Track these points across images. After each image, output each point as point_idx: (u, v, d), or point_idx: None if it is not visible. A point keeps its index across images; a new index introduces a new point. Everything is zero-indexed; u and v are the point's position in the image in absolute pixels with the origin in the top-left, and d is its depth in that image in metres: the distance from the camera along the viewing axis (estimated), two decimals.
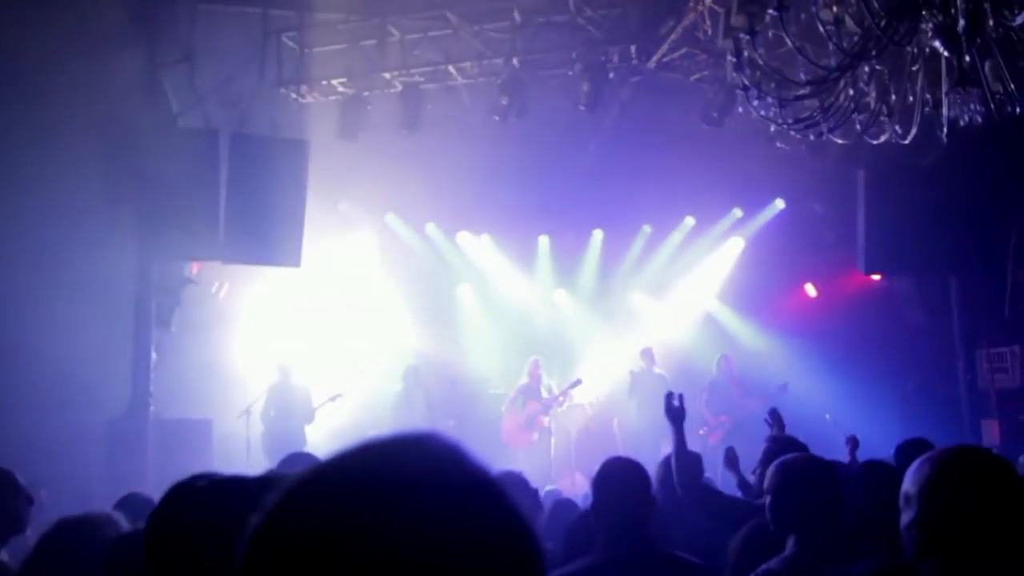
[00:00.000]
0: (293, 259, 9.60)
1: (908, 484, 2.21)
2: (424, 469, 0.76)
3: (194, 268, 10.24)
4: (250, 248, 9.37)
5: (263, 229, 9.28)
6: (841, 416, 10.12)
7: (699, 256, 12.98)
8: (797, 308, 12.40)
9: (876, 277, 11.41)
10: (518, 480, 4.21)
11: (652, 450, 6.43)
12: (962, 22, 4.77)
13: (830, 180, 11.36)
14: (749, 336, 12.39)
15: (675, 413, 4.66)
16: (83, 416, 8.44)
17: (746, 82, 5.82)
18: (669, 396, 4.76)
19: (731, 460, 5.42)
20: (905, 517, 2.20)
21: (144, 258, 9.10)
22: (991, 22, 4.90)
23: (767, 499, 3.16)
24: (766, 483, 3.20)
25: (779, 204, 12.65)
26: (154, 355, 9.14)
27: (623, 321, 12.78)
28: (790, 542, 3.01)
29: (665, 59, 9.42)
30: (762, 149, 9.74)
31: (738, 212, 12.89)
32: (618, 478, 3.25)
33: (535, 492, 4.27)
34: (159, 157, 8.74)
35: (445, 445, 0.79)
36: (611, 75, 9.36)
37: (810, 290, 12.65)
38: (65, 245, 8.52)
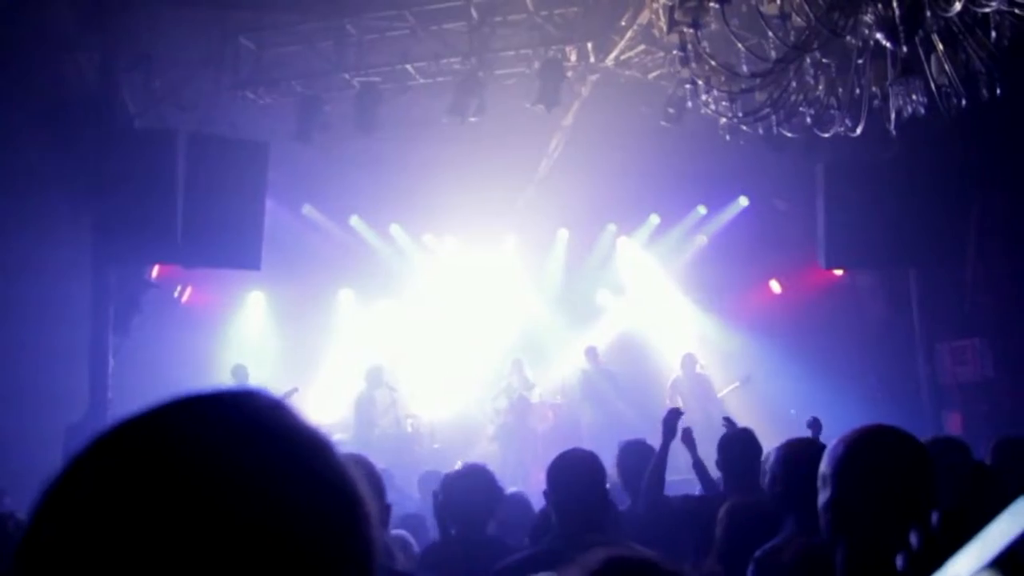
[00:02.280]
0: (253, 262, 9.52)
1: (824, 465, 2.20)
2: (244, 420, 0.73)
3: (155, 272, 10.13)
4: (209, 251, 9.28)
5: (222, 232, 9.18)
6: (805, 411, 10.16)
7: (664, 253, 13.03)
8: (762, 304, 12.47)
9: (838, 272, 11.51)
10: (481, 472, 4.21)
11: (611, 446, 6.45)
12: (898, 12, 4.82)
13: (793, 177, 11.44)
14: (714, 332, 12.45)
15: (670, 429, 4.78)
16: (42, 422, 8.32)
17: (694, 76, 5.85)
18: (674, 414, 4.89)
19: (688, 439, 5.48)
20: (821, 497, 2.19)
21: (100, 262, 8.97)
22: (928, 13, 4.96)
23: (769, 480, 3.18)
24: (770, 465, 3.24)
25: (743, 201, 12.72)
26: (112, 361, 9.00)
27: (589, 319, 12.81)
28: (789, 521, 3.03)
29: (622, 57, 9.46)
30: (725, 146, 9.79)
31: (702, 209, 12.95)
32: (571, 469, 3.28)
33: (498, 485, 4.22)
34: (115, 159, 8.65)
35: (268, 399, 0.77)
36: (569, 73, 9.37)
37: (775, 286, 12.73)
38: (18, 249, 8.40)
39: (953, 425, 10.24)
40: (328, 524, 0.71)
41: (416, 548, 4.31)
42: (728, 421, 5.56)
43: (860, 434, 2.21)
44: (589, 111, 10.64)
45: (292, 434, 0.75)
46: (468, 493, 3.94)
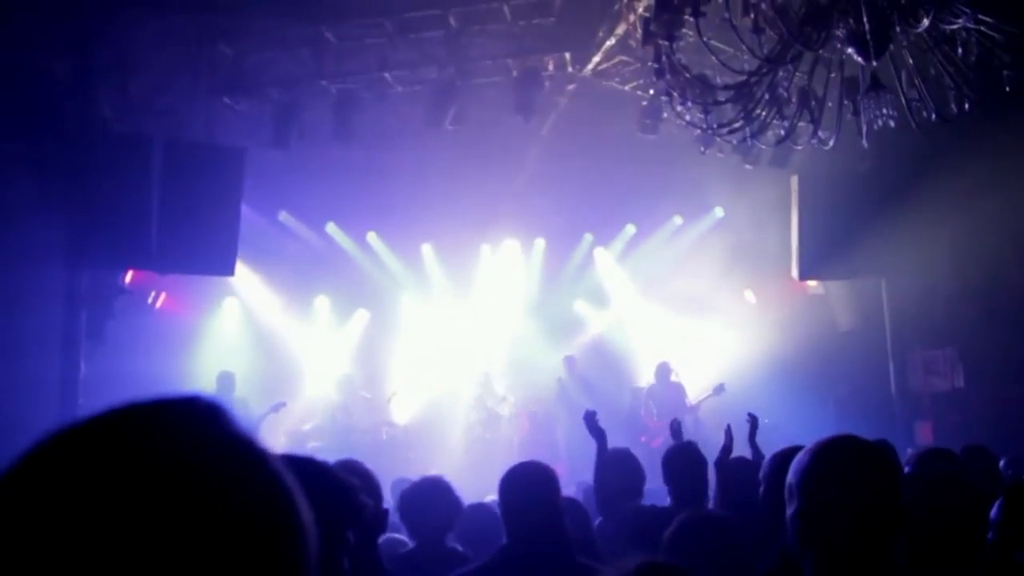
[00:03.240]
0: (227, 269, 9.49)
1: (791, 476, 2.17)
2: (179, 426, 0.74)
3: (128, 277, 10.05)
4: (184, 257, 9.23)
5: (197, 238, 9.14)
6: (778, 419, 10.25)
7: (640, 263, 13.09)
8: (737, 313, 12.55)
9: (812, 283, 11.62)
10: (438, 484, 4.19)
11: (587, 454, 6.48)
12: (868, 27, 4.90)
13: (769, 188, 11.56)
14: (689, 342, 12.52)
15: (595, 430, 4.77)
16: (8, 428, 8.22)
17: (668, 87, 5.91)
18: (589, 415, 4.87)
19: (676, 431, 5.51)
20: (789, 509, 2.15)
21: (73, 267, 8.89)
22: (898, 28, 5.05)
23: (763, 490, 3.19)
24: (763, 476, 3.24)
25: (718, 212, 12.81)
26: (83, 368, 8.91)
27: (566, 327, 12.85)
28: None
29: (600, 68, 9.53)
30: (701, 157, 9.88)
31: (678, 220, 13.03)
32: (522, 482, 3.25)
33: (456, 496, 4.18)
34: (90, 164, 8.58)
35: (207, 404, 0.77)
36: (546, 83, 9.41)
37: (750, 296, 12.81)
38: None
39: (924, 434, 10.36)
40: (256, 530, 0.72)
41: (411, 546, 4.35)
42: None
43: (826, 444, 2.18)
44: (566, 121, 10.70)
45: (224, 442, 0.75)
46: (425, 506, 3.95)
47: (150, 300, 10.81)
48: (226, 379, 10.37)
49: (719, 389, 10.86)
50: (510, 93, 9.42)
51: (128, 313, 9.87)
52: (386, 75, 9.66)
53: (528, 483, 3.23)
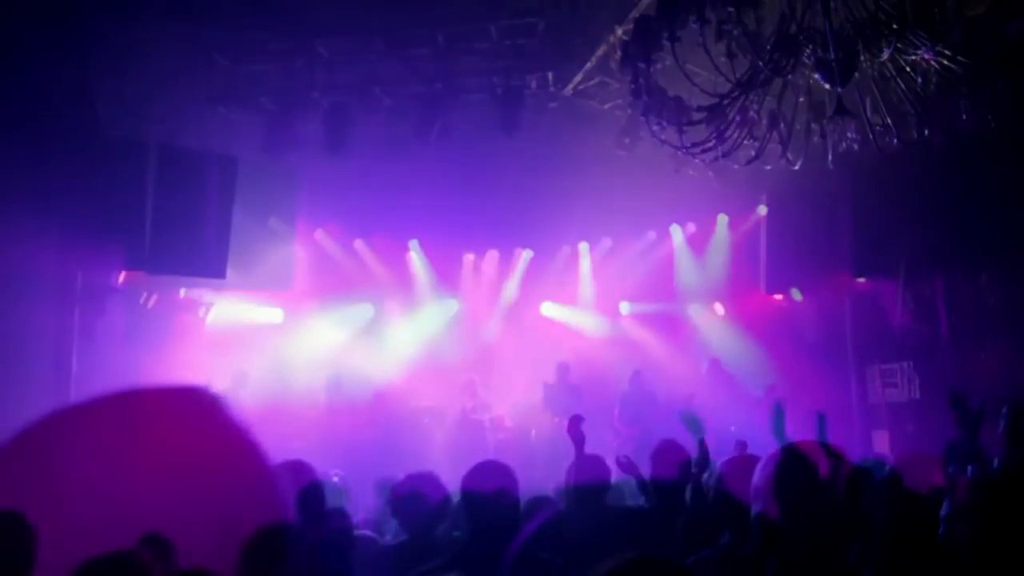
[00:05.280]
0: (218, 271, 9.73)
1: (756, 478, 2.27)
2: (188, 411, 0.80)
3: (121, 277, 10.23)
4: (176, 259, 9.47)
5: (189, 241, 9.42)
6: (742, 428, 10.58)
7: (617, 274, 13.45)
8: (708, 324, 12.94)
9: (778, 296, 12.04)
10: (429, 478, 4.38)
11: (565, 460, 6.76)
12: (834, 55, 5.32)
13: (740, 204, 11.99)
14: (661, 351, 12.87)
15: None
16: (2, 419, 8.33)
17: (646, 108, 6.28)
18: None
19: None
20: (753, 510, 2.25)
21: (67, 266, 9.08)
22: (863, 57, 5.46)
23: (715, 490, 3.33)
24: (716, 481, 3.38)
25: (691, 227, 13.21)
26: (75, 365, 9.08)
27: (543, 334, 13.15)
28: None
29: (581, 87, 9.91)
30: (674, 174, 10.24)
31: (652, 235, 13.41)
32: (483, 481, 3.35)
33: (445, 489, 4.36)
34: (86, 167, 8.79)
35: (212, 395, 0.84)
36: (528, 101, 9.76)
37: (718, 309, 13.21)
38: None
39: (881, 443, 10.75)
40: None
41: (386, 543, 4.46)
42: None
43: (789, 450, 2.29)
44: (548, 137, 11.04)
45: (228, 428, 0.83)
46: (415, 499, 4.14)
47: (142, 300, 10.97)
48: (240, 377, 10.57)
49: (689, 398, 11.16)
50: (495, 109, 9.76)
51: (120, 312, 10.05)
52: (376, 89, 9.97)
53: (488, 481, 3.32)
